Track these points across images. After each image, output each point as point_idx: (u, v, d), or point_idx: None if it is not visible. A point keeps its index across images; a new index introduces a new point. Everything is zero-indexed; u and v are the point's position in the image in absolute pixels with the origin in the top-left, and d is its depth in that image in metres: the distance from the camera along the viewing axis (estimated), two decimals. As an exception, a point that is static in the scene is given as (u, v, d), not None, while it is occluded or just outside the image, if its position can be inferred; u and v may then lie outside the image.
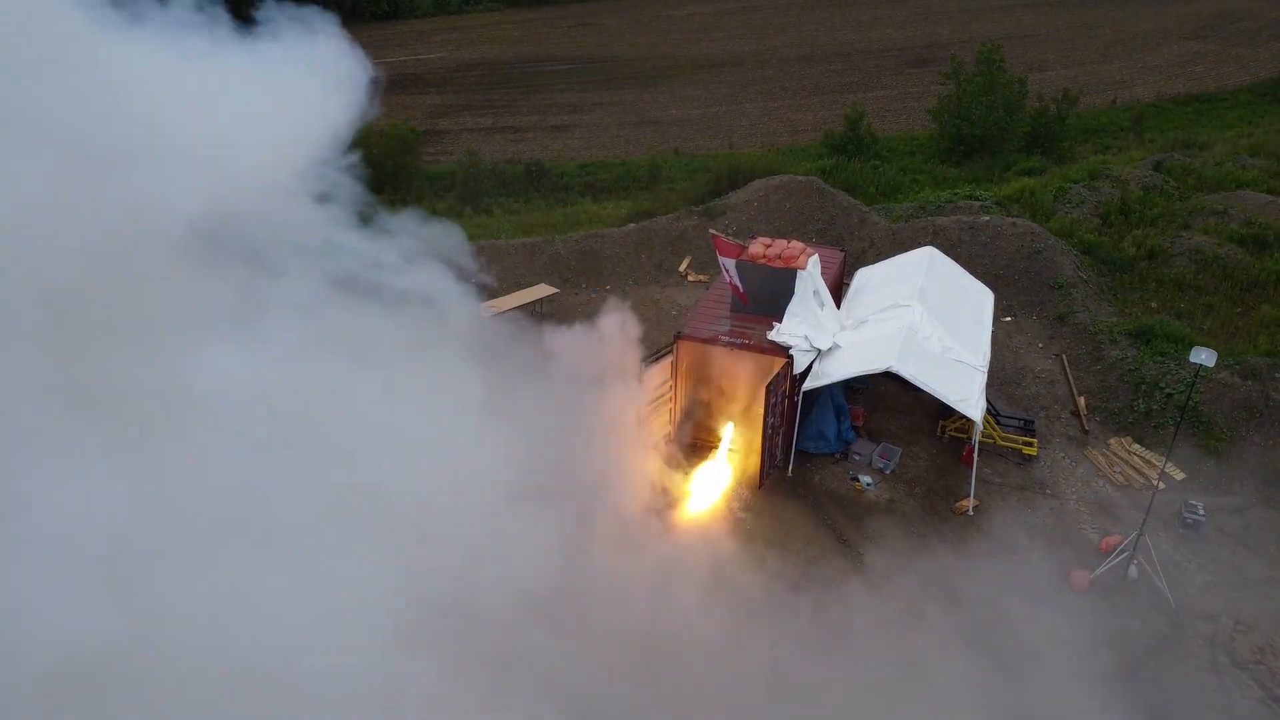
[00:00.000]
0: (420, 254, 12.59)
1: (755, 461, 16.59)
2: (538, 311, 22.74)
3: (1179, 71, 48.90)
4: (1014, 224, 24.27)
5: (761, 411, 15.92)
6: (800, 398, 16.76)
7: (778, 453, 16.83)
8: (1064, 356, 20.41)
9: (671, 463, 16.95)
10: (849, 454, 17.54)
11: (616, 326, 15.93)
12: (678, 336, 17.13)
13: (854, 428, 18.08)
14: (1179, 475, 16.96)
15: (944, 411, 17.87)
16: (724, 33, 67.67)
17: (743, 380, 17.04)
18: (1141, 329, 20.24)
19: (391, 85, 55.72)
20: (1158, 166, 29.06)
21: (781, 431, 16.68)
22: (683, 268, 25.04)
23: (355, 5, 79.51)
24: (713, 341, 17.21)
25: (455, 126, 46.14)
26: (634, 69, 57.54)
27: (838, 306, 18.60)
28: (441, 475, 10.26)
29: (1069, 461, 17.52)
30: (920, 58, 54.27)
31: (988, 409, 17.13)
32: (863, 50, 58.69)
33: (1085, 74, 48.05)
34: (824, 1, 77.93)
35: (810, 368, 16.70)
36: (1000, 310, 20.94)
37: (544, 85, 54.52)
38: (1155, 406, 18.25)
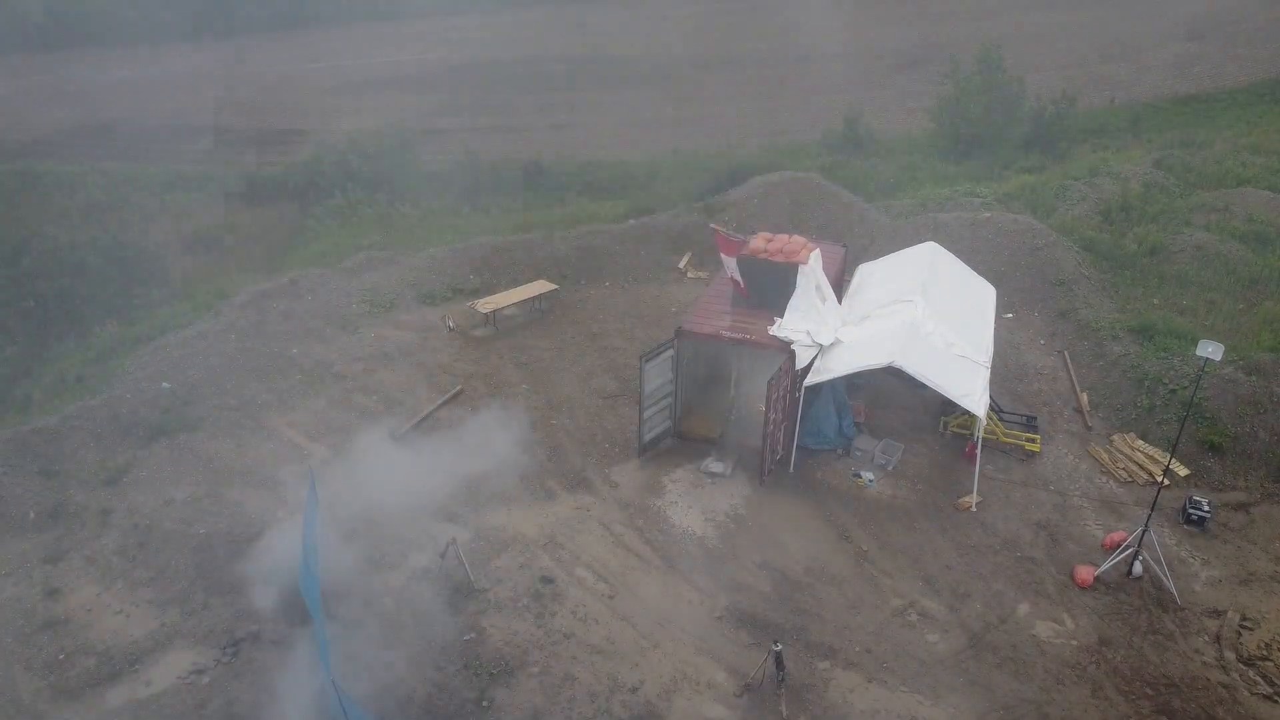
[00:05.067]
0: None
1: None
2: (537, 308, 22.61)
3: (1177, 72, 48.86)
4: (1015, 220, 24.18)
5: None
6: (802, 393, 16.62)
7: (779, 448, 16.68)
8: (1066, 353, 20.29)
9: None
10: (851, 450, 17.39)
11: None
12: (678, 331, 16.96)
13: (855, 423, 17.93)
14: (1183, 471, 16.84)
15: (946, 407, 17.76)
16: (722, 32, 67.63)
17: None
18: (1144, 325, 20.12)
19: (390, 85, 55.66)
20: (1158, 163, 28.98)
21: (783, 427, 16.53)
22: (682, 264, 24.90)
23: (353, 5, 79.44)
24: (714, 337, 17.08)
25: (454, 126, 45.98)
26: (632, 69, 57.44)
27: (839, 302, 18.47)
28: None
29: (1072, 458, 17.39)
30: (918, 58, 54.23)
31: (990, 405, 17.00)
32: (861, 50, 58.64)
33: (1083, 75, 47.99)
34: (822, 1, 77.91)
35: (812, 363, 16.56)
36: (1002, 306, 20.81)
37: (542, 85, 54.38)
38: (1158, 402, 18.12)
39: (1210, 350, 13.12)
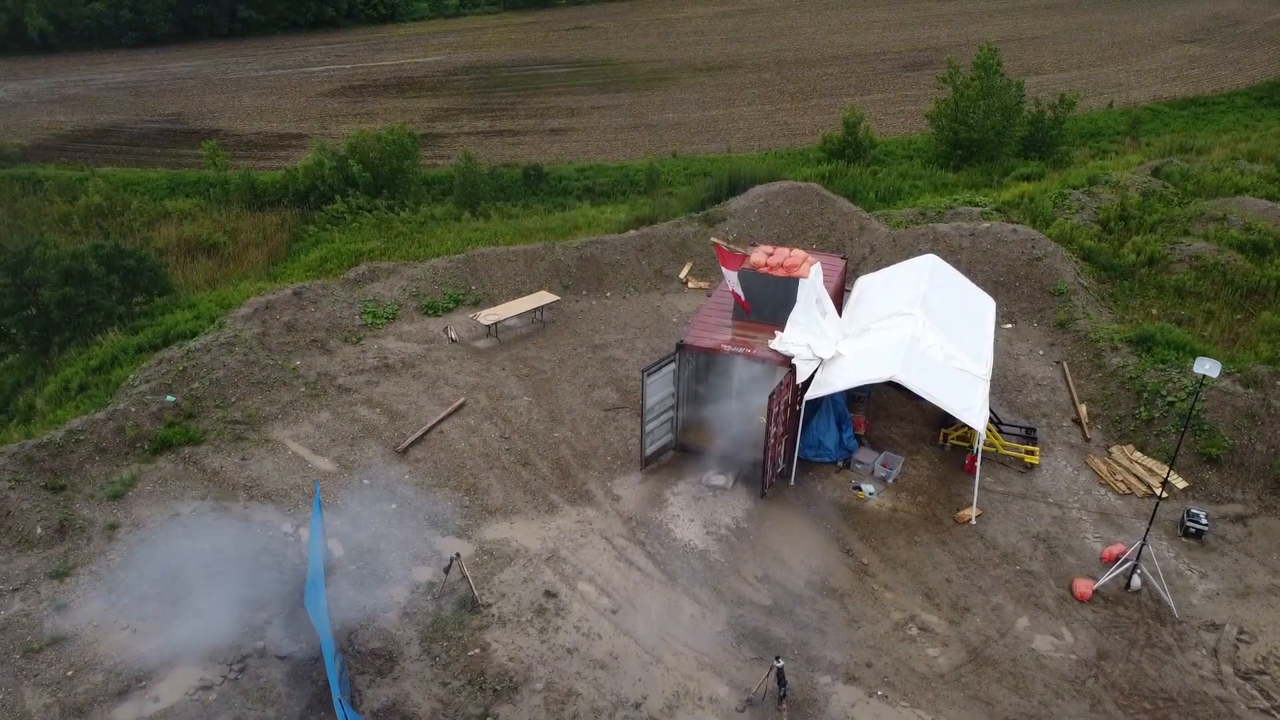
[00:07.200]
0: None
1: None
2: (538, 319, 22.69)
3: (1175, 75, 49.04)
4: (1014, 230, 24.27)
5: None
6: (803, 406, 16.72)
7: (780, 462, 16.79)
8: (1065, 364, 20.41)
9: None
10: (851, 463, 17.50)
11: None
12: (679, 345, 17.06)
13: (856, 436, 18.04)
14: (1181, 483, 16.95)
15: (946, 419, 17.88)
16: (720, 36, 67.71)
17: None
18: (1143, 336, 20.20)
19: (388, 88, 55.70)
20: (1156, 172, 29.09)
21: (784, 440, 16.63)
22: (683, 274, 25.00)
23: (351, 8, 79.46)
24: (715, 351, 17.17)
25: (452, 130, 46.09)
26: (631, 72, 57.53)
27: (839, 314, 18.57)
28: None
29: (1071, 470, 17.50)
30: (916, 61, 54.35)
31: (990, 417, 17.10)
32: (859, 54, 58.75)
33: (1082, 77, 48.17)
34: (820, 5, 78.01)
35: (813, 376, 16.66)
36: (1001, 317, 20.91)
37: (541, 89, 54.48)
38: (1157, 414, 18.22)
39: (1207, 367, 13.21)
